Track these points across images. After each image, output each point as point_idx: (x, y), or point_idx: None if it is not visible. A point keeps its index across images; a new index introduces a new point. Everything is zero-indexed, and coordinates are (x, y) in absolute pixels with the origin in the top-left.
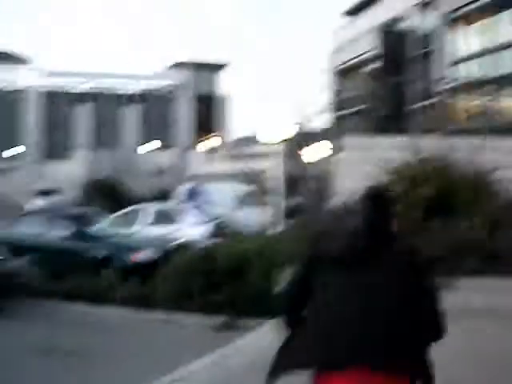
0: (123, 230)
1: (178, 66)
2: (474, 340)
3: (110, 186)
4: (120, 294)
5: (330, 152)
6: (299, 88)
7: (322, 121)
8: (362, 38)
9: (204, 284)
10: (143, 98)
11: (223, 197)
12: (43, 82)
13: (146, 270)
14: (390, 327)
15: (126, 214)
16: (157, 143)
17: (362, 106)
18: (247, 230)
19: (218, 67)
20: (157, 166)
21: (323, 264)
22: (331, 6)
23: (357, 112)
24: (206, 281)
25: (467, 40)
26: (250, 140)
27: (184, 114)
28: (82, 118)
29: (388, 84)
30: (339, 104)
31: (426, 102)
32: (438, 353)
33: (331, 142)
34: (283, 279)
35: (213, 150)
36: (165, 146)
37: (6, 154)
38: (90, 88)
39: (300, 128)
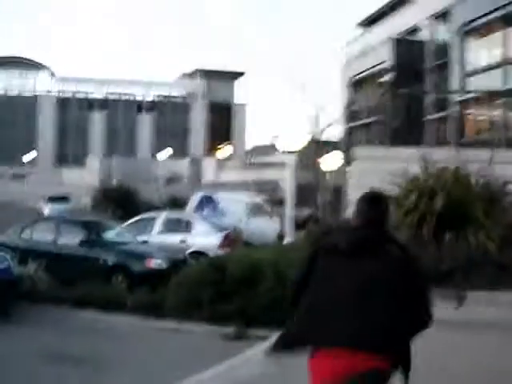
0: (135, 238)
1: (194, 73)
2: (487, 352)
3: (123, 194)
4: (130, 302)
5: (342, 163)
6: (313, 99)
7: (334, 132)
8: (374, 49)
9: (214, 293)
10: (158, 105)
11: (235, 206)
12: (58, 88)
13: (157, 278)
14: (378, 311)
15: (138, 221)
16: (170, 151)
17: (375, 118)
18: (259, 239)
19: (234, 75)
20: (170, 174)
21: (326, 254)
22: (344, 18)
23: (369, 123)
24: (217, 290)
25: (479, 53)
26: (265, 149)
27: (198, 122)
28: (96, 125)
29: (400, 95)
30: (351, 115)
31: (439, 114)
32: (453, 363)
33: (343, 153)
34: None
35: (226, 159)
36: (178, 154)
37: (20, 159)
38: (105, 95)
39: (313, 138)
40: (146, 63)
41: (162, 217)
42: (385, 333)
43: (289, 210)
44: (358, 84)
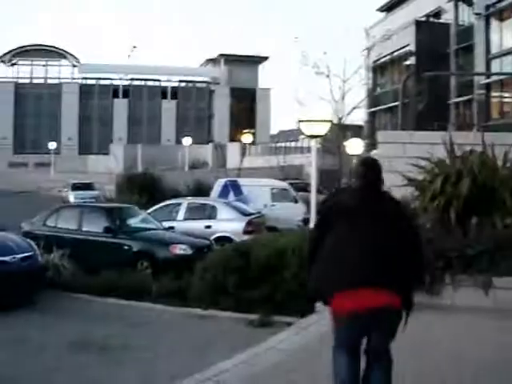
0: (160, 224)
1: (217, 59)
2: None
3: (148, 180)
4: (155, 289)
5: (366, 147)
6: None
7: (358, 116)
8: (397, 32)
9: (239, 279)
10: (181, 91)
11: (260, 191)
12: (81, 76)
13: (182, 264)
14: (389, 260)
15: (163, 207)
16: (194, 137)
17: (399, 102)
18: (283, 224)
19: (258, 60)
20: (194, 161)
21: (337, 213)
22: (367, 2)
23: (393, 107)
24: (242, 276)
25: (504, 35)
26: (290, 134)
27: (222, 108)
28: (120, 112)
29: (424, 79)
30: (375, 99)
31: (464, 98)
32: (479, 350)
33: (367, 137)
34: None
35: (250, 145)
36: (202, 141)
37: (45, 147)
38: (129, 81)
39: (337, 123)
40: (169, 49)
41: (186, 203)
42: (396, 277)
43: (313, 194)
44: (381, 68)
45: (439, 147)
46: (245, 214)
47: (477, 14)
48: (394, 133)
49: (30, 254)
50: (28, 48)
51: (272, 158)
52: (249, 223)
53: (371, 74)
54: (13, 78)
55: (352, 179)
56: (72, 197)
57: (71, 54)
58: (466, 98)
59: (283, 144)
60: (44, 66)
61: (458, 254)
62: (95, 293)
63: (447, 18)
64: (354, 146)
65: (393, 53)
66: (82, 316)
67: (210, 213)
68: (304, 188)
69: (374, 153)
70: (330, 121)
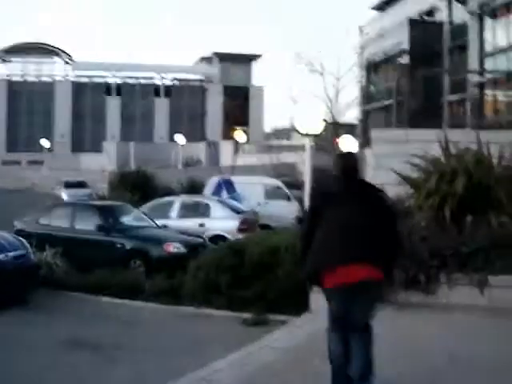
0: (153, 222)
1: (211, 57)
2: (509, 337)
3: (141, 178)
4: (148, 287)
5: (360, 145)
6: (331, 81)
7: (352, 114)
8: (391, 31)
9: (233, 278)
10: (174, 89)
11: (253, 189)
12: (74, 74)
13: (175, 263)
14: (366, 237)
15: (156, 205)
16: (187, 135)
17: (392, 100)
18: (277, 222)
19: (251, 58)
20: (188, 158)
21: (322, 204)
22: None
23: (387, 106)
24: (235, 275)
25: (498, 33)
26: (284, 132)
27: (215, 106)
28: (113, 110)
29: (418, 78)
30: (369, 98)
31: (458, 96)
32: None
33: (361, 135)
34: None
35: (243, 143)
36: (196, 139)
37: (38, 145)
38: (122, 79)
39: (331, 121)
40: (164, 48)
41: (180, 201)
42: (377, 253)
43: (307, 192)
44: (375, 66)
45: (434, 145)
46: (238, 211)
47: (470, 12)
48: (388, 130)
49: (22, 252)
50: (21, 45)
51: (265, 156)
52: (243, 221)
53: (365, 73)
54: (6, 75)
55: (333, 171)
56: (65, 195)
57: (64, 52)
58: (459, 96)
59: (276, 142)
60: (37, 63)
61: (453, 252)
62: (88, 291)
63: (441, 16)
64: (347, 143)
65: (386, 51)
66: (75, 314)
67: (203, 211)
68: (297, 186)
69: (366, 151)
70: (325, 120)
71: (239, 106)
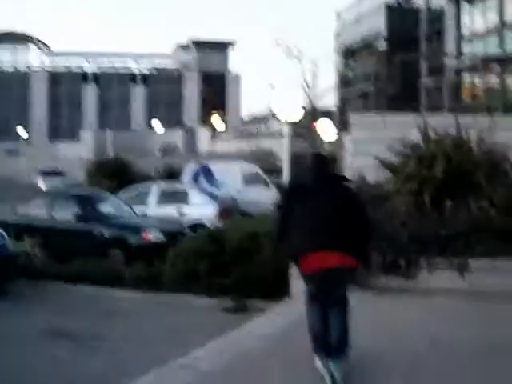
0: (132, 211)
1: (188, 45)
2: (489, 321)
3: (118, 166)
4: (128, 276)
5: (338, 130)
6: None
7: (329, 100)
8: (368, 17)
9: (212, 265)
10: (151, 77)
11: (231, 175)
12: (50, 62)
13: (155, 251)
14: (343, 227)
15: (133, 194)
16: (164, 123)
17: (370, 85)
18: (255, 209)
19: (228, 45)
20: (165, 146)
21: (295, 198)
22: None
23: (364, 91)
24: (214, 262)
25: (475, 18)
26: (261, 119)
27: (192, 94)
28: (89, 98)
29: (395, 63)
30: (346, 83)
31: (435, 81)
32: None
33: (338, 121)
34: None
35: (221, 130)
36: (173, 126)
37: (14, 135)
38: (98, 68)
39: (308, 107)
40: (140, 36)
41: (157, 188)
42: (347, 242)
43: (285, 178)
44: (352, 52)
45: (413, 130)
46: (216, 198)
47: None
48: (367, 115)
49: (0, 242)
50: None
51: (243, 142)
52: (222, 208)
53: (342, 59)
54: None
55: (307, 168)
56: (45, 184)
57: (40, 41)
58: (437, 81)
59: (254, 128)
60: (12, 52)
61: (433, 236)
62: (67, 280)
63: (418, 1)
64: (325, 126)
65: (364, 36)
66: (54, 304)
67: (181, 198)
68: (275, 172)
69: (345, 136)
70: (304, 107)
71: (216, 92)
